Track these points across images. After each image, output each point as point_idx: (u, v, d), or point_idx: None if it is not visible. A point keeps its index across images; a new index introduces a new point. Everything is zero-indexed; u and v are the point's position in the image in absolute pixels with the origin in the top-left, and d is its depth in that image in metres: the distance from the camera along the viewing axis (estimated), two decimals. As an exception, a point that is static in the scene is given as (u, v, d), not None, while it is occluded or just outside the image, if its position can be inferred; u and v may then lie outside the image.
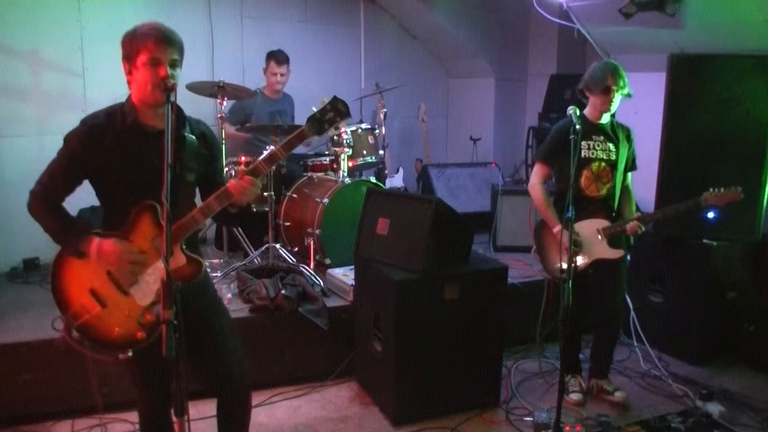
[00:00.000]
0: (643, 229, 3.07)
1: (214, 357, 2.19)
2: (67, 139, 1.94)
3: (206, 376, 2.23)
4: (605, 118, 3.16)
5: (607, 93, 3.03)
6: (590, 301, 3.21)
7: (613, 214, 3.19)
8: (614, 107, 3.11)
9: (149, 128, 1.96)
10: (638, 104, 3.10)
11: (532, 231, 3.39)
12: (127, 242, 1.91)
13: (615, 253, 3.10)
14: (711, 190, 2.98)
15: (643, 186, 3.89)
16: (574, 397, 3.25)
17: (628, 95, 3.08)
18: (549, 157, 3.20)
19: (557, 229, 3.10)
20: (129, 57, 1.88)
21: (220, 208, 1.95)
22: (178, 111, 1.98)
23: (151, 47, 1.85)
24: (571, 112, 2.77)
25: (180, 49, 1.94)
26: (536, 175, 3.24)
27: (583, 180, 3.12)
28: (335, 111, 1.97)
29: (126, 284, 1.92)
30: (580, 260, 3.10)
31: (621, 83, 3.03)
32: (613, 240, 3.10)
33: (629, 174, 3.29)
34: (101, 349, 1.94)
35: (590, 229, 3.10)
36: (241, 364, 2.25)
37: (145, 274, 1.93)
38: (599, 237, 3.09)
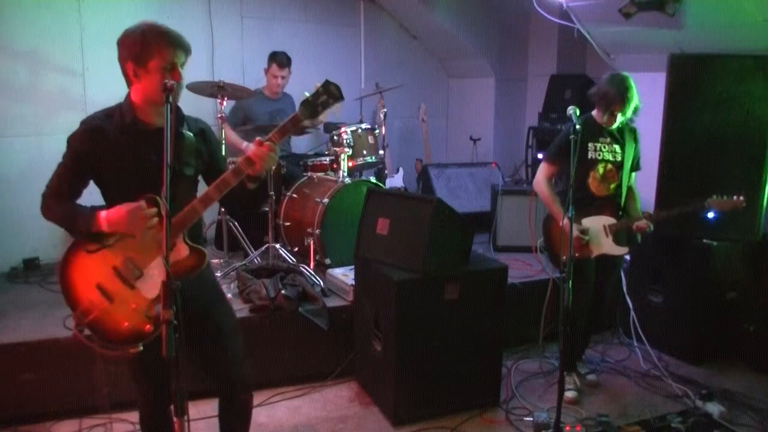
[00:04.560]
0: (652, 227, 3.17)
1: (219, 356, 2.20)
2: (69, 140, 1.98)
3: (210, 375, 2.24)
4: None
5: (610, 117, 3.13)
6: (588, 301, 3.23)
7: (620, 213, 3.27)
8: (617, 125, 3.19)
9: (148, 126, 1.99)
10: (638, 104, 3.14)
11: (540, 225, 3.44)
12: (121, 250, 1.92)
13: (620, 250, 3.21)
14: (715, 196, 3.09)
15: (643, 186, 3.89)
16: (570, 394, 3.25)
17: (631, 116, 3.16)
18: (556, 156, 3.26)
19: (565, 221, 3.13)
20: (138, 59, 1.89)
21: (236, 183, 1.94)
22: (177, 109, 2.01)
23: (170, 52, 1.89)
24: (570, 112, 2.77)
25: (189, 53, 1.98)
26: (542, 172, 3.31)
27: (590, 180, 3.20)
28: (328, 94, 1.96)
29: (131, 278, 1.93)
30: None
31: (627, 109, 3.09)
32: (618, 237, 3.19)
33: (633, 174, 3.35)
34: (111, 345, 1.94)
35: (597, 225, 3.18)
36: (244, 365, 2.27)
37: (150, 267, 1.94)
38: (605, 233, 3.17)
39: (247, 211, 4.21)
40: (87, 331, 1.95)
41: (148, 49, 1.88)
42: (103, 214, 1.91)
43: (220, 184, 1.94)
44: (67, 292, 1.98)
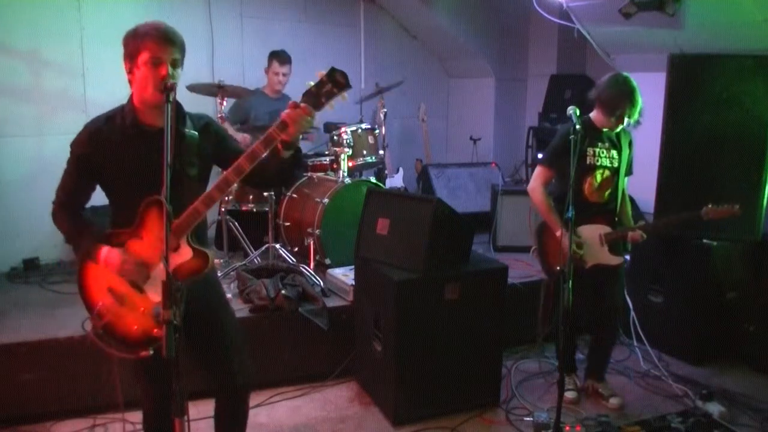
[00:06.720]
0: (645, 237, 3.09)
1: (220, 356, 2.20)
2: (72, 146, 1.99)
3: (210, 375, 2.23)
4: None
5: (617, 120, 3.01)
6: (586, 302, 3.20)
7: (615, 219, 3.19)
8: (620, 128, 3.10)
9: (149, 127, 1.97)
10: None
11: (534, 232, 3.38)
12: (130, 252, 1.92)
13: (615, 260, 3.12)
14: (711, 205, 2.98)
15: (643, 186, 3.89)
16: (569, 395, 3.24)
17: (638, 119, 3.04)
18: (554, 160, 3.14)
19: (560, 232, 3.09)
20: (131, 56, 1.89)
21: (266, 152, 1.87)
22: (178, 107, 2.00)
23: (152, 46, 1.86)
24: (571, 112, 2.73)
25: (182, 49, 1.95)
26: (537, 178, 3.19)
27: (586, 187, 3.09)
28: (333, 82, 1.85)
29: (141, 281, 1.93)
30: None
31: (633, 111, 2.98)
32: (613, 246, 3.11)
33: (625, 178, 3.27)
34: (123, 348, 1.94)
35: (592, 234, 3.10)
36: (245, 365, 2.26)
37: (158, 270, 1.92)
38: (600, 243, 3.10)
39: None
40: (102, 334, 1.95)
41: (138, 43, 1.87)
42: (103, 251, 1.93)
43: (238, 166, 1.88)
44: (83, 294, 1.99)
